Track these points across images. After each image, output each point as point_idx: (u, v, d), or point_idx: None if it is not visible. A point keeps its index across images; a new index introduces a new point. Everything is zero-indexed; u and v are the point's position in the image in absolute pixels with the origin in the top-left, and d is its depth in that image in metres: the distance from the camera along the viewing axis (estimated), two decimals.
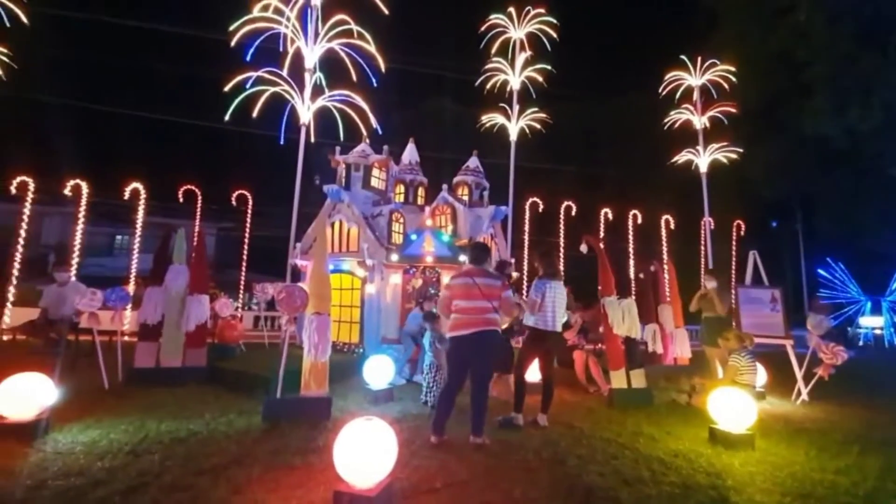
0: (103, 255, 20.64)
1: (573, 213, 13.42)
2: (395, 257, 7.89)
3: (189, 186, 12.26)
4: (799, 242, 23.38)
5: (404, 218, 8.88)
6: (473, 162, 10.01)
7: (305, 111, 8.98)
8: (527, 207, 12.96)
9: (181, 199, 12.21)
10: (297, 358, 4.71)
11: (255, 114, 8.82)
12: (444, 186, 9.30)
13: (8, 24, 8.38)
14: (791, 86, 18.46)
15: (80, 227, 10.89)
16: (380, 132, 9.52)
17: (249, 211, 12.80)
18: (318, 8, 8.99)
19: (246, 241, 13.08)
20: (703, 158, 11.99)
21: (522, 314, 4.85)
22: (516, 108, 11.71)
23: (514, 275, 8.94)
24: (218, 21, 9.48)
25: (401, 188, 9.71)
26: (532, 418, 4.52)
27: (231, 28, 8.63)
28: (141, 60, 21.42)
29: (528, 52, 11.65)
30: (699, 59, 12.07)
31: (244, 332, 8.98)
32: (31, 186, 10.41)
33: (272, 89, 8.80)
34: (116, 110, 18.93)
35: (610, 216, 13.64)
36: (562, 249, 12.69)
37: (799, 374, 6.13)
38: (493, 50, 11.72)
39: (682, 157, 12.29)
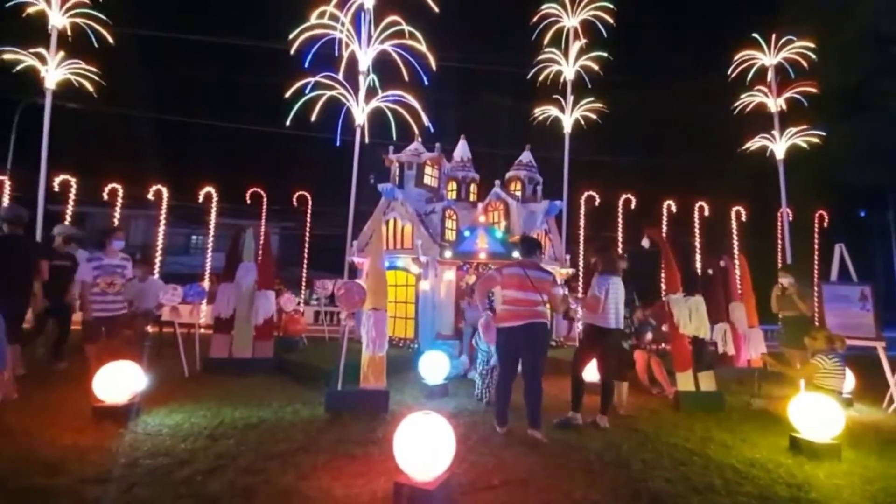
0: (181, 253, 22.43)
1: (632, 206, 12.88)
2: (448, 254, 7.94)
3: (255, 189, 13.04)
4: (891, 234, 20.96)
5: (457, 215, 8.92)
6: (526, 156, 9.83)
7: (360, 113, 9.25)
8: (582, 201, 12.60)
9: (248, 201, 13.02)
10: (356, 352, 4.87)
11: (313, 117, 9.23)
12: (497, 182, 9.22)
13: (96, 45, 9.25)
14: (880, 61, 16.60)
15: (161, 228, 11.92)
16: (431, 130, 9.63)
17: (309, 210, 13.41)
18: (370, 11, 9.21)
19: (306, 239, 13.73)
20: (779, 144, 11.04)
21: (572, 311, 4.75)
22: (570, 98, 11.37)
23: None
24: (278, 31, 9.96)
25: (453, 185, 9.74)
26: (591, 419, 4.40)
27: (290, 37, 9.05)
28: (211, 72, 23.04)
29: (583, 40, 11.25)
30: (773, 36, 11.12)
31: (306, 325, 9.41)
32: (120, 192, 11.53)
33: (329, 93, 9.15)
34: (190, 119, 20.42)
35: (674, 208, 12.95)
36: (620, 244, 12.23)
37: (891, 379, 5.54)
38: (546, 40, 11.42)
39: (755, 143, 11.35)
